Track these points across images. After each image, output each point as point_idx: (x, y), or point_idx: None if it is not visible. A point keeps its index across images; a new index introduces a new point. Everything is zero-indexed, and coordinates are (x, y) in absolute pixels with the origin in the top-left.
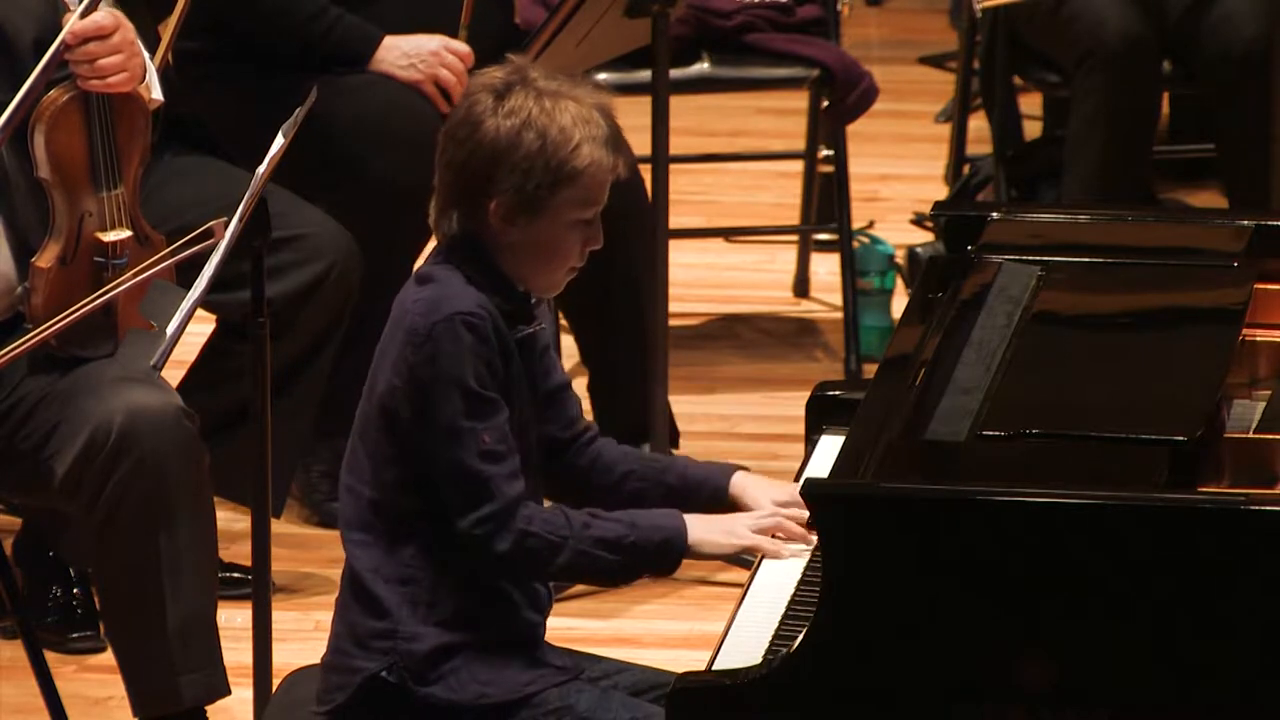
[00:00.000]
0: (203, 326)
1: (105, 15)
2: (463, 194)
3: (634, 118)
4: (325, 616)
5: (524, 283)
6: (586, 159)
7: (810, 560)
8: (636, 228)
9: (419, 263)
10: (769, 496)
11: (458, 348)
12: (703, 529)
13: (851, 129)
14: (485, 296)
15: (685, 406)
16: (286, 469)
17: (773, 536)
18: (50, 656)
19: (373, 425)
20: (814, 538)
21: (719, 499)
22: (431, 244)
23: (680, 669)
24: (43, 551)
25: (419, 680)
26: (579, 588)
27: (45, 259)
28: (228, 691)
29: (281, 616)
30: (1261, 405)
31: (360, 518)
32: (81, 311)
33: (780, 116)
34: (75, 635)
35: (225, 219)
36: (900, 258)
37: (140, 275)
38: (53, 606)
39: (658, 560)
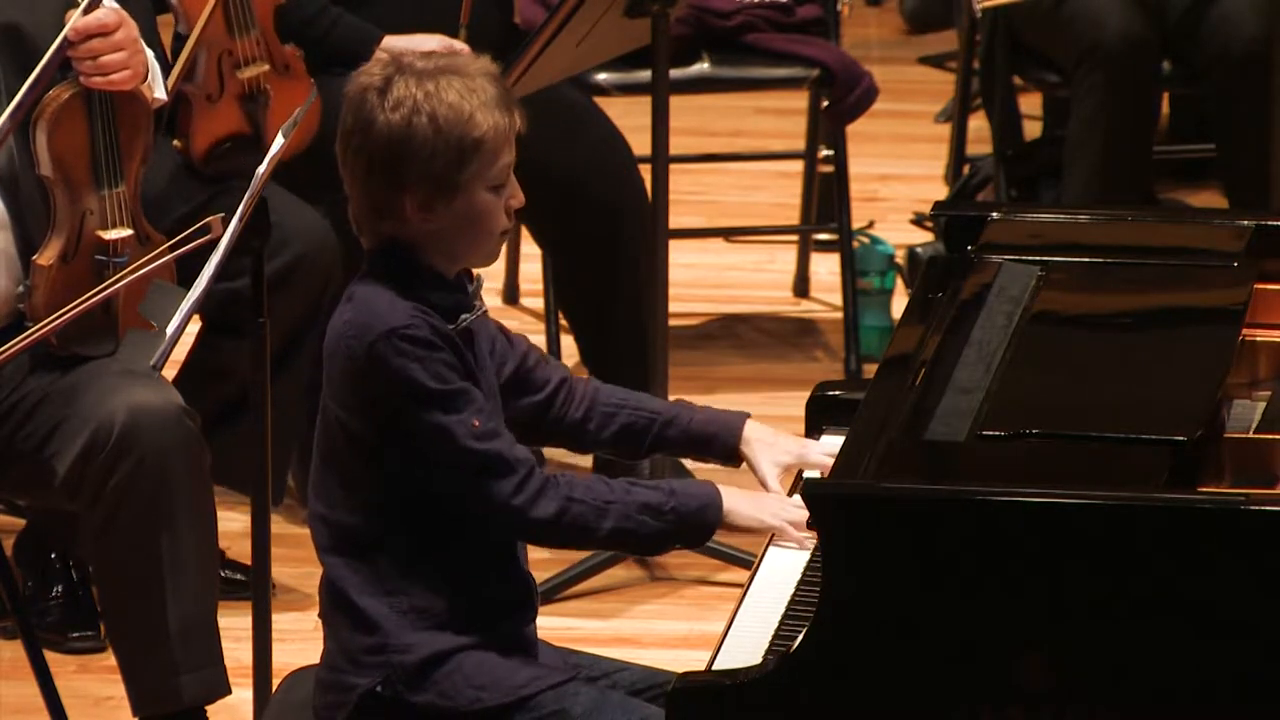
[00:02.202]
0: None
1: (108, 12)
2: (376, 198)
3: (634, 118)
4: None
5: (460, 261)
6: (483, 126)
7: (810, 560)
8: (636, 227)
9: None
10: (773, 463)
11: (404, 362)
12: (737, 499)
13: (851, 129)
14: (414, 305)
15: None
16: (281, 456)
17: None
18: (50, 656)
19: (335, 450)
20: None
21: (729, 452)
22: None
23: (680, 669)
24: (43, 551)
25: (414, 690)
26: (579, 587)
27: (46, 257)
28: (228, 691)
29: (281, 616)
30: (1261, 405)
31: (336, 541)
32: (80, 308)
33: (780, 116)
34: (75, 635)
35: (222, 215)
36: (900, 258)
37: (139, 270)
38: (53, 606)
39: (695, 527)
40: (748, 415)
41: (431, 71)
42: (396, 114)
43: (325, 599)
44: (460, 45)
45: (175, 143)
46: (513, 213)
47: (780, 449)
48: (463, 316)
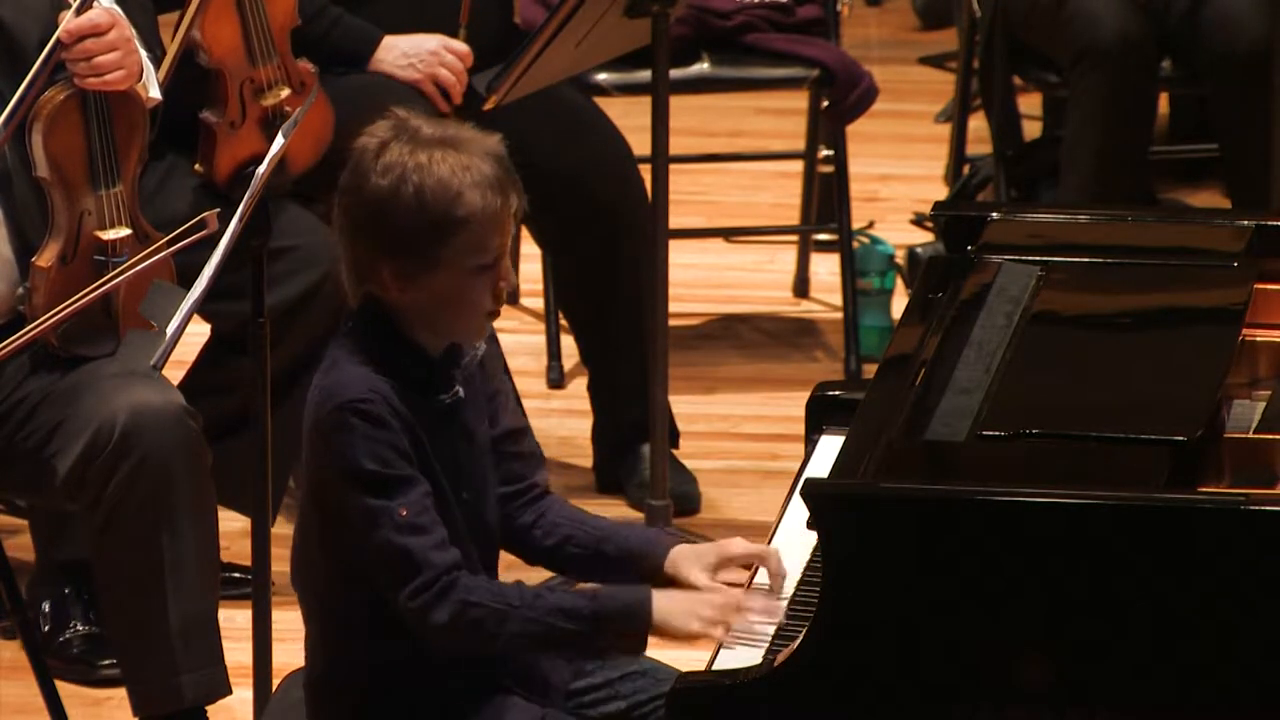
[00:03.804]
0: (202, 327)
1: (101, 13)
2: (358, 261)
3: (634, 118)
4: None
5: (444, 337)
6: (470, 206)
7: (810, 560)
8: (636, 227)
9: None
10: (701, 569)
11: (348, 437)
12: (668, 605)
13: (851, 129)
14: (381, 377)
15: (685, 406)
16: (280, 477)
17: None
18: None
19: (311, 521)
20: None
21: (655, 573)
22: None
23: (680, 669)
24: (57, 588)
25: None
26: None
27: (45, 258)
28: (228, 691)
29: (281, 616)
30: (1261, 405)
31: (309, 608)
32: (79, 304)
33: (780, 116)
34: (104, 664)
35: (218, 210)
36: (900, 258)
37: (137, 267)
38: (74, 639)
39: (621, 632)
40: (681, 540)
41: (430, 141)
42: (385, 179)
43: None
44: (460, 45)
45: (196, 167)
46: (503, 295)
47: (700, 551)
48: (440, 398)
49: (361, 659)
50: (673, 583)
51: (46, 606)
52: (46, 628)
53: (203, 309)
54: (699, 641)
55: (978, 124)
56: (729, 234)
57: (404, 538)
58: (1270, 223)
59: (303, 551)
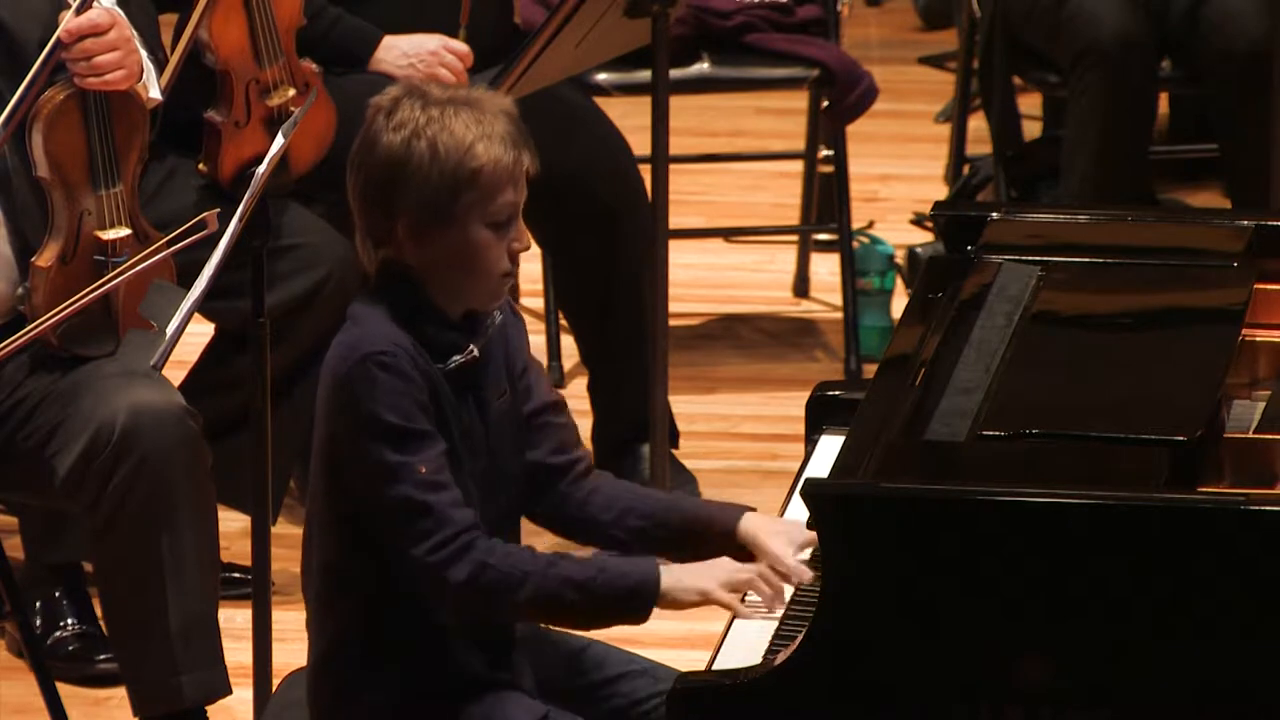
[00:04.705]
0: (203, 328)
1: (100, 13)
2: (373, 220)
3: (634, 118)
4: None
5: (461, 300)
6: (482, 158)
7: (810, 560)
8: (636, 227)
9: None
10: (781, 541)
11: (373, 388)
12: (676, 578)
13: (851, 129)
14: (404, 332)
15: (685, 406)
16: (281, 476)
17: (743, 599)
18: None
19: (321, 485)
20: (788, 597)
21: (728, 542)
22: None
23: (680, 669)
24: (49, 589)
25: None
26: None
27: (45, 258)
28: (228, 691)
29: (281, 616)
30: (1261, 405)
31: (316, 581)
32: (79, 304)
33: (780, 116)
34: (101, 659)
35: (218, 210)
36: (900, 258)
37: (136, 267)
38: (70, 638)
39: (626, 606)
40: (748, 509)
41: (442, 100)
42: (397, 136)
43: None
44: (460, 45)
45: (200, 166)
46: (517, 257)
47: (789, 528)
48: (452, 359)
49: (367, 636)
50: (745, 551)
51: (38, 607)
52: (39, 629)
53: (205, 307)
54: (706, 611)
55: (978, 124)
56: (729, 234)
57: (424, 494)
58: (1270, 223)
59: (313, 530)
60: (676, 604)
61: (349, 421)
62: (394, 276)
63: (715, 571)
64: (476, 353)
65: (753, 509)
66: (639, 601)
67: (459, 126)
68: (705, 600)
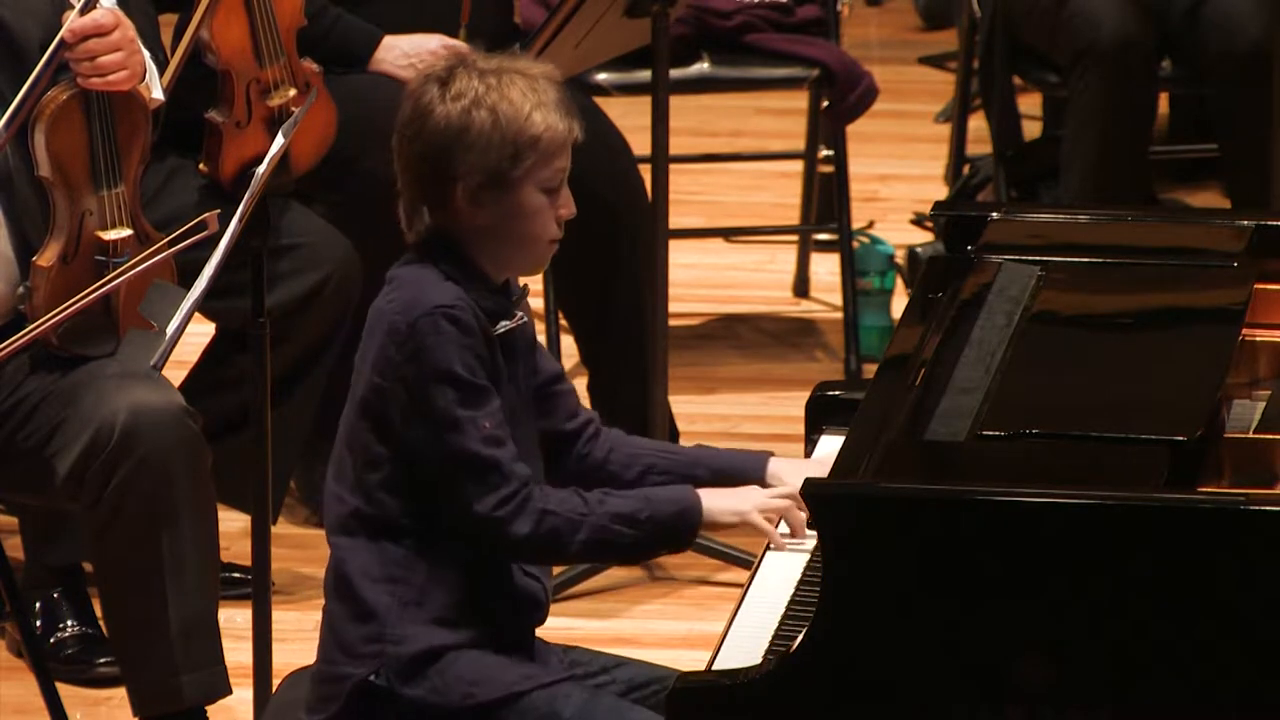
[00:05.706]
0: (203, 328)
1: (104, 13)
2: (427, 188)
3: (634, 118)
4: None
5: (508, 266)
6: (541, 125)
7: (810, 560)
8: (636, 227)
9: None
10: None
11: (442, 340)
12: (714, 500)
13: (851, 129)
14: (462, 290)
15: (685, 406)
16: (281, 476)
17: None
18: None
19: (360, 429)
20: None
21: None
22: None
23: (680, 669)
24: (47, 591)
25: (406, 683)
26: (579, 587)
27: (46, 258)
28: (228, 691)
29: (281, 616)
30: (1261, 405)
31: (346, 522)
32: (79, 305)
33: (780, 116)
34: (101, 661)
35: (219, 211)
36: (900, 258)
37: (137, 267)
38: (69, 639)
39: (674, 533)
40: (771, 454)
41: (495, 69)
42: (456, 105)
43: (328, 585)
44: (460, 45)
45: (201, 166)
46: (563, 223)
47: (809, 466)
48: (501, 324)
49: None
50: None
51: (38, 608)
52: (39, 630)
53: (205, 307)
54: (745, 536)
55: (978, 124)
56: (729, 234)
57: (490, 449)
58: (1270, 223)
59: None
60: (716, 525)
61: (415, 371)
62: (441, 241)
63: (751, 495)
64: (526, 318)
65: (773, 453)
66: (685, 524)
67: (515, 94)
68: (742, 521)
